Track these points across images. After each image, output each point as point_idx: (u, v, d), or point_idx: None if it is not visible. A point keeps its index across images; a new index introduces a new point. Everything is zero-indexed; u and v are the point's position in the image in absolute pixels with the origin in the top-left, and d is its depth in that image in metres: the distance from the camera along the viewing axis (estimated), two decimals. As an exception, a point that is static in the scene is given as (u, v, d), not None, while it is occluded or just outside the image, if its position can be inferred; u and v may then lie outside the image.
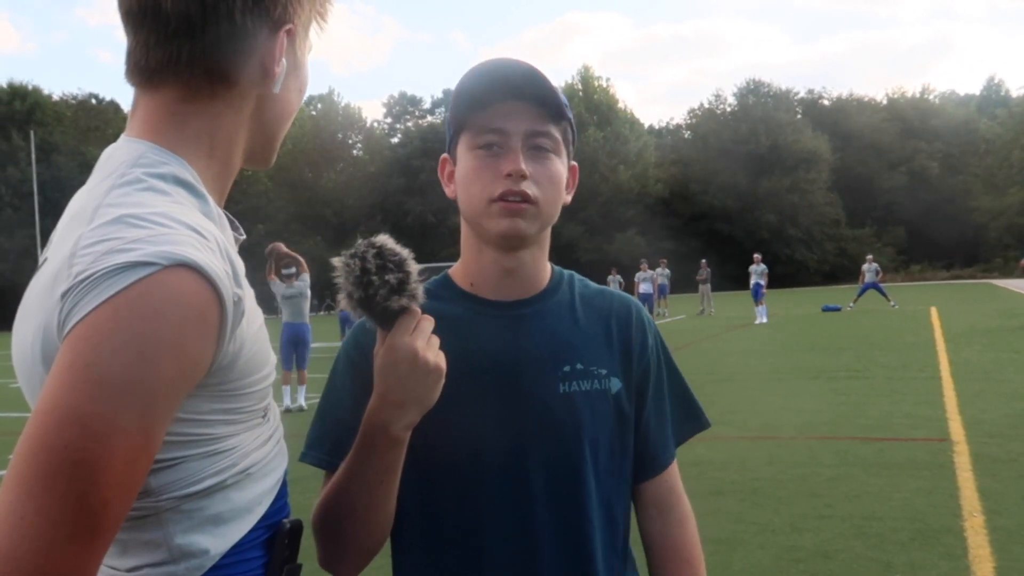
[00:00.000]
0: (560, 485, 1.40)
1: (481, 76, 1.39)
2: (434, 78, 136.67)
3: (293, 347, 12.19)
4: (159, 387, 0.87)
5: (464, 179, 1.42)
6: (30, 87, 61.38)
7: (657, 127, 78.72)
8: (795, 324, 24.03)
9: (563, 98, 1.42)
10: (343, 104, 74.28)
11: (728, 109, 73.17)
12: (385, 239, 1.27)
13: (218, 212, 1.09)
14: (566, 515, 1.40)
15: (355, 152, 73.42)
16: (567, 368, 1.43)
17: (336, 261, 1.27)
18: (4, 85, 61.52)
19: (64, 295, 0.89)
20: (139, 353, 0.86)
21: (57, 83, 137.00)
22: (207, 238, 0.96)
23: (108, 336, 0.86)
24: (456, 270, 1.52)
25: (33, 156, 48.75)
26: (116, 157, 1.05)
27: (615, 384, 1.46)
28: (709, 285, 30.90)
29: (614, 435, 1.45)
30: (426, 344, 1.26)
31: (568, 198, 1.48)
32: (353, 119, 74.12)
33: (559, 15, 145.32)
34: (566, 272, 1.56)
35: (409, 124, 76.24)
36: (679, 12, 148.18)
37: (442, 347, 1.32)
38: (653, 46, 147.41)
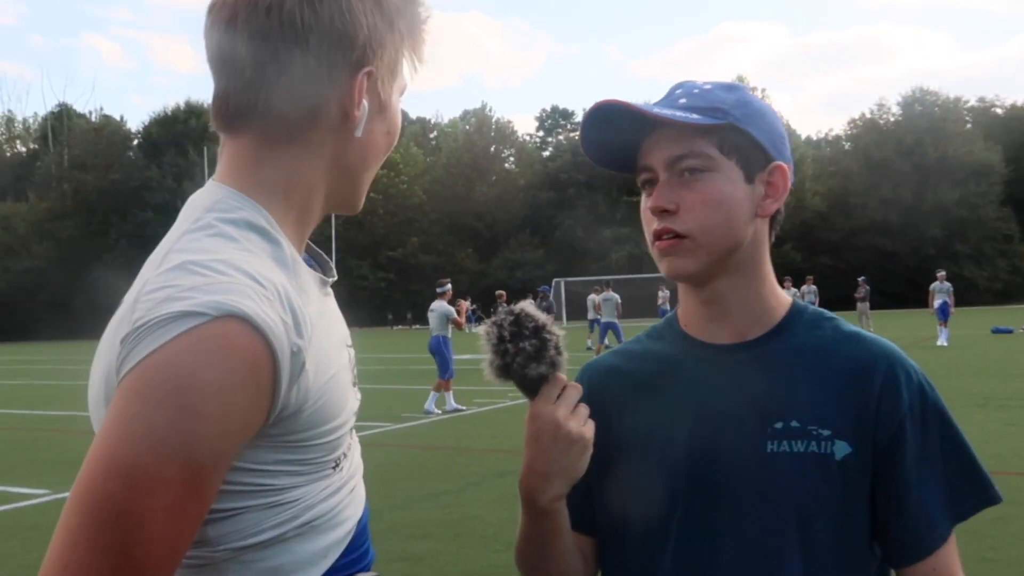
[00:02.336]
0: (754, 559, 1.23)
1: (602, 123, 1.28)
2: (586, 91, 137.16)
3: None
4: (204, 440, 0.86)
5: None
6: (205, 105, 64.79)
7: (815, 138, 76.41)
8: (962, 346, 22.74)
9: (714, 100, 1.26)
10: (495, 118, 75.55)
11: (892, 119, 70.15)
12: (525, 305, 1.25)
13: (294, 257, 1.06)
14: None
15: (507, 165, 74.44)
16: (779, 425, 1.24)
17: (480, 329, 1.26)
18: (182, 104, 65.71)
19: (123, 340, 0.89)
20: (182, 406, 0.85)
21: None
22: (266, 287, 0.94)
23: (154, 387, 0.85)
24: (678, 311, 1.42)
25: (206, 172, 51.70)
26: (196, 202, 1.06)
27: (842, 448, 1.23)
28: (868, 303, 29.64)
29: (838, 509, 1.23)
30: (570, 413, 1.21)
31: (772, 207, 1.29)
32: (505, 133, 75.20)
33: (714, 25, 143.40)
34: (809, 310, 1.36)
35: (560, 137, 76.79)
36: (839, 19, 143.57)
37: (652, 391, 1.30)
38: (811, 54, 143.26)
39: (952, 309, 24.14)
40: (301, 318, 0.96)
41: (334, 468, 1.07)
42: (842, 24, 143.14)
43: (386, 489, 7.83)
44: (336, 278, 1.20)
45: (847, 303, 32.09)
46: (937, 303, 24.22)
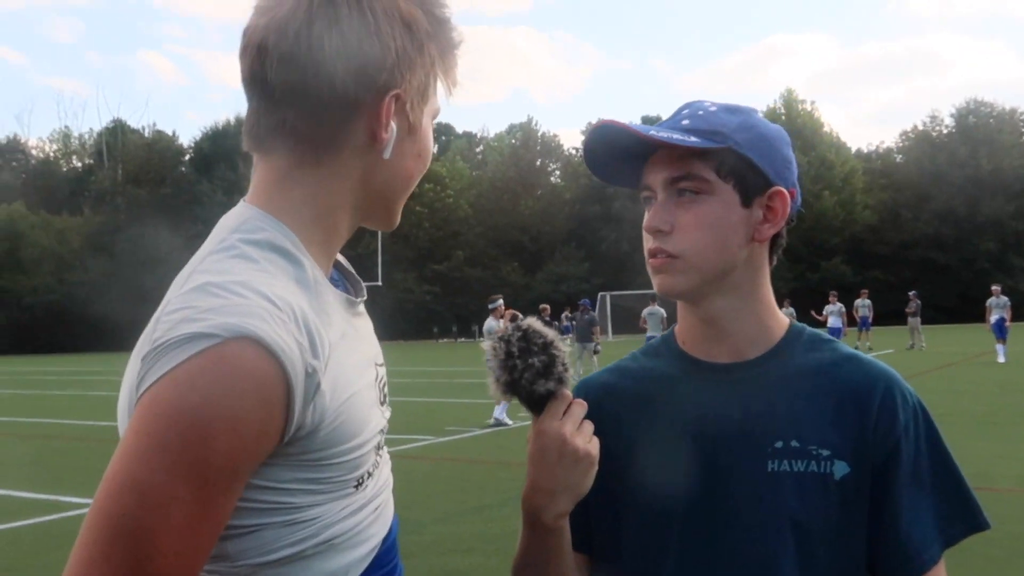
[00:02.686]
0: None
1: (603, 143, 1.31)
2: (633, 104, 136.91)
3: None
4: (215, 459, 0.88)
5: None
6: (255, 121, 66.05)
7: (866, 151, 75.21)
8: (1019, 363, 22.25)
9: (715, 123, 1.27)
10: (541, 132, 75.74)
11: (945, 131, 69.11)
12: (532, 322, 1.25)
13: (316, 279, 1.06)
14: None
15: (553, 179, 74.55)
16: (779, 444, 1.25)
17: (485, 345, 1.25)
18: (232, 119, 66.73)
19: (144, 358, 0.92)
20: (192, 425, 0.87)
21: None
22: (281, 308, 0.95)
23: (166, 407, 0.88)
24: (676, 329, 1.43)
25: (256, 184, 52.37)
26: (225, 222, 1.08)
27: (841, 468, 1.24)
28: (919, 318, 29.13)
29: (837, 528, 1.24)
30: (576, 430, 1.21)
31: (769, 232, 1.30)
32: (551, 146, 75.33)
33: (763, 38, 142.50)
34: (807, 332, 1.37)
35: (606, 151, 76.55)
36: (891, 30, 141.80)
37: (649, 409, 1.31)
38: (862, 67, 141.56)
39: (1009, 324, 23.59)
40: (318, 339, 0.98)
41: (356, 487, 1.07)
42: (894, 35, 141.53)
43: (429, 502, 7.86)
44: (365, 297, 1.21)
45: (898, 318, 31.61)
46: (994, 319, 23.64)
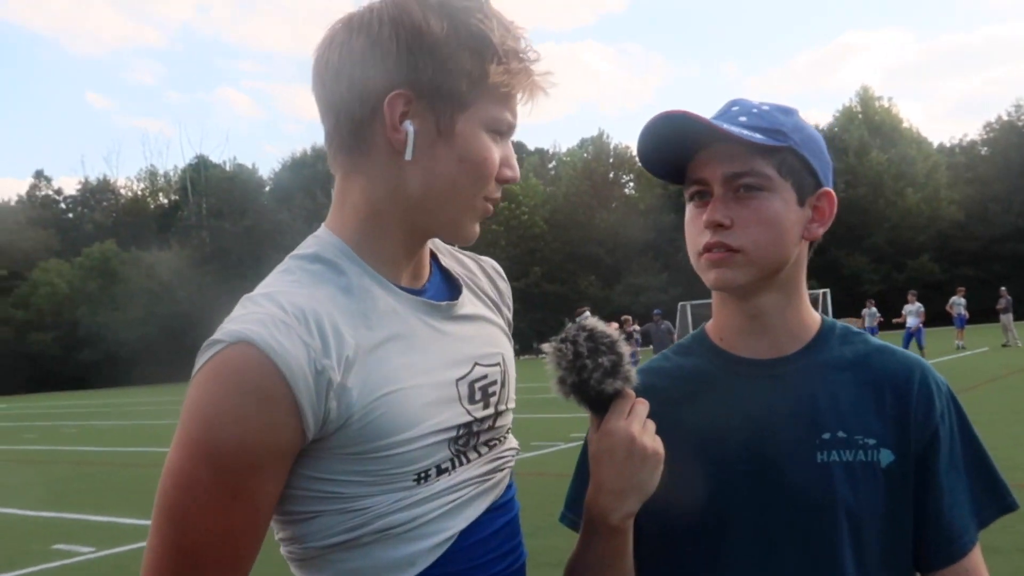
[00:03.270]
0: (811, 569, 1.26)
1: (662, 133, 1.29)
2: (704, 111, 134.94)
3: None
4: (227, 447, 1.01)
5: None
6: (331, 149, 67.39)
7: (948, 145, 72.94)
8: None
9: (774, 122, 1.29)
10: (613, 144, 75.49)
11: (1031, 120, 66.66)
12: (595, 322, 1.25)
13: (362, 286, 1.15)
14: None
15: (626, 191, 74.19)
16: (826, 436, 1.28)
17: (547, 347, 1.25)
18: (309, 149, 68.21)
19: None
20: (204, 419, 1.02)
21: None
22: (288, 313, 1.06)
23: (188, 404, 1.04)
24: (710, 324, 1.44)
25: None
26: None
27: (886, 456, 1.28)
28: (1011, 314, 28.03)
29: (885, 515, 1.27)
30: (642, 428, 1.22)
31: (819, 231, 1.34)
32: (624, 158, 74.99)
33: (835, 36, 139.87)
34: (838, 325, 1.40)
35: (679, 159, 75.82)
36: (967, 20, 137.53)
37: (689, 407, 1.33)
38: (940, 59, 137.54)
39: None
40: (334, 341, 1.07)
41: (417, 481, 1.13)
42: (971, 25, 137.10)
43: (519, 518, 7.85)
44: (452, 301, 1.26)
45: (991, 315, 30.52)
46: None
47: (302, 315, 1.06)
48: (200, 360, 1.05)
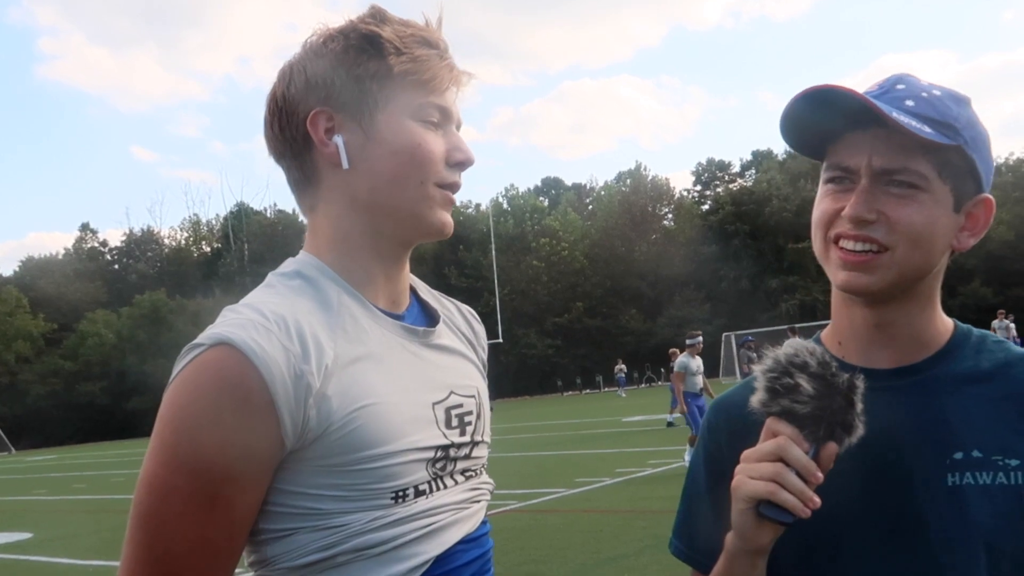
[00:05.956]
0: None
1: (815, 104, 1.14)
2: (743, 141, 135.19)
3: None
4: (205, 452, 1.01)
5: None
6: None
7: (996, 164, 71.73)
8: None
9: (946, 113, 1.13)
10: (651, 177, 75.46)
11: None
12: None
13: (341, 302, 1.17)
14: None
15: (665, 223, 74.01)
16: (959, 455, 1.13)
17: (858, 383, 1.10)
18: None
19: None
20: (181, 423, 1.02)
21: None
22: (268, 318, 1.07)
23: (163, 409, 1.04)
24: (826, 330, 1.30)
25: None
26: None
27: None
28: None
29: None
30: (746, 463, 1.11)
31: (969, 241, 1.19)
32: (662, 190, 74.95)
33: (874, 59, 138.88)
34: (974, 332, 1.23)
35: (719, 190, 75.79)
36: (1011, 38, 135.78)
37: None
38: (983, 79, 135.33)
39: None
40: (314, 349, 1.08)
41: (394, 499, 1.12)
42: (1015, 43, 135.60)
43: (564, 555, 7.78)
44: (430, 328, 1.28)
45: (1045, 336, 29.80)
46: None
47: (283, 322, 1.08)
48: (179, 364, 1.05)
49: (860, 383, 1.08)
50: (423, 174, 1.20)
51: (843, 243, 1.15)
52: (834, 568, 1.17)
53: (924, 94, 1.15)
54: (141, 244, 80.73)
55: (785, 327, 25.38)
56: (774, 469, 1.06)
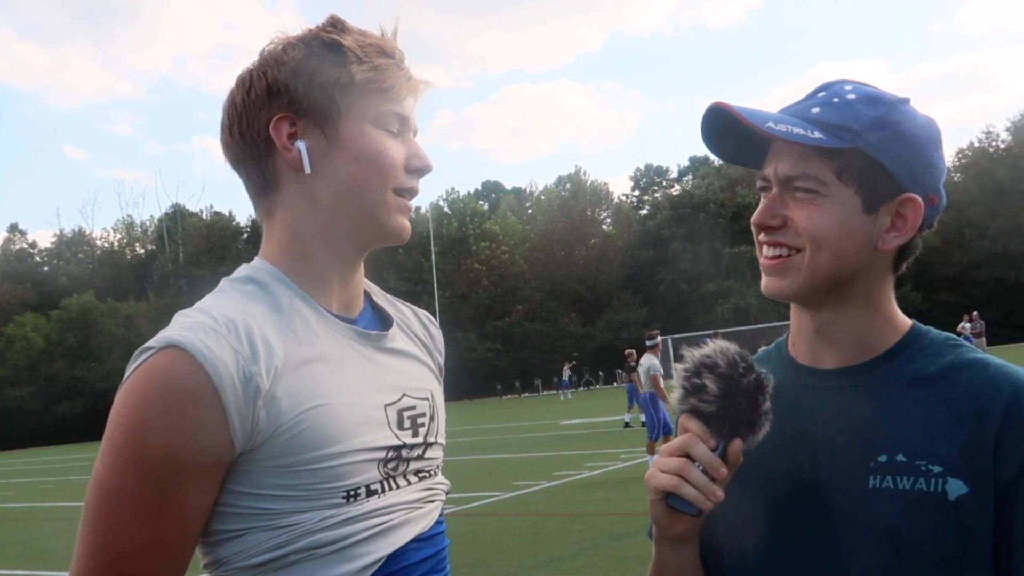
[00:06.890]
0: None
1: (714, 121, 1.22)
2: (682, 145, 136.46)
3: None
4: (154, 453, 1.02)
5: None
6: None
7: (920, 173, 73.69)
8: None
9: (849, 116, 1.16)
10: (590, 181, 76.02)
11: (1002, 146, 67.68)
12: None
13: (292, 306, 1.19)
14: None
15: (604, 227, 74.63)
16: (883, 458, 1.14)
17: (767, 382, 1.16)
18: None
19: None
20: (131, 425, 1.04)
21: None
22: (217, 321, 1.09)
23: (114, 412, 1.06)
24: (789, 333, 1.33)
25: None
26: None
27: (956, 487, 1.09)
28: (984, 339, 28.26)
29: (953, 557, 1.09)
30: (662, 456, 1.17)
31: (895, 242, 1.19)
32: (601, 195, 75.56)
33: (806, 68, 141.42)
34: (931, 335, 1.23)
35: (657, 195, 76.64)
36: (939, 49, 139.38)
37: None
38: (914, 88, 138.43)
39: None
40: (263, 350, 1.10)
41: (345, 499, 1.14)
42: (944, 54, 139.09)
43: (501, 558, 7.81)
44: (383, 332, 1.30)
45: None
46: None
47: (232, 324, 1.10)
48: (130, 367, 1.07)
49: (768, 383, 1.14)
50: (384, 180, 1.22)
51: (764, 249, 1.22)
52: (760, 563, 1.22)
53: (836, 100, 1.19)
54: (72, 245, 78.75)
55: (731, 330, 25.75)
56: (680, 464, 1.12)
